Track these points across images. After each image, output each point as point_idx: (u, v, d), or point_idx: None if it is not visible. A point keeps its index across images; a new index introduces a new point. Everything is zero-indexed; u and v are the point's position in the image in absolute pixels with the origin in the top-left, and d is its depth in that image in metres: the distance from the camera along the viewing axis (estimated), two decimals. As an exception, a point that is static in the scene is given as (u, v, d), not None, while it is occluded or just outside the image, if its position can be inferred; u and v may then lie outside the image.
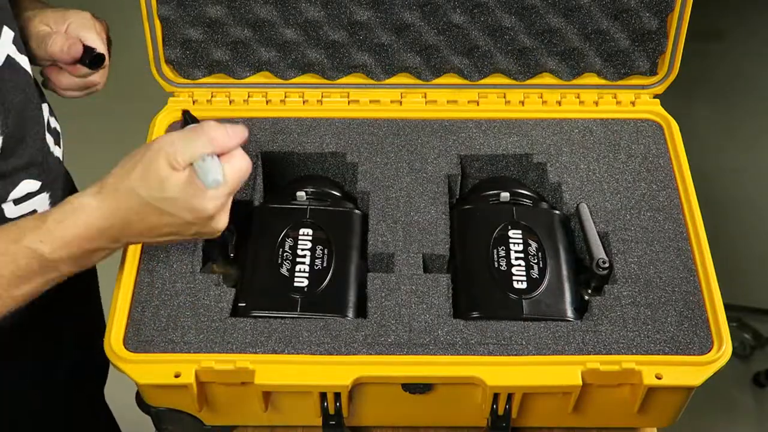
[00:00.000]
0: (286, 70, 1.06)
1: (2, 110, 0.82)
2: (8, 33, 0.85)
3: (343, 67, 1.06)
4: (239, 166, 0.79)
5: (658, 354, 0.85)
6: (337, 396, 0.85)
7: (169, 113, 1.05)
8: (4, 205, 0.88)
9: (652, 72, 1.06)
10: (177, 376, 0.83)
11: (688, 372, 0.84)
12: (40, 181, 0.91)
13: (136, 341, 0.86)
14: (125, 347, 0.85)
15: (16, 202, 0.89)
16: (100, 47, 0.96)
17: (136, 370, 0.84)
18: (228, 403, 0.89)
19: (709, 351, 0.85)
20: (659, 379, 0.83)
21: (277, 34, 1.04)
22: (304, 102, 1.07)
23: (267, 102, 1.07)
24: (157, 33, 1.03)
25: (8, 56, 0.85)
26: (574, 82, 1.07)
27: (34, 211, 0.91)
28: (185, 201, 0.77)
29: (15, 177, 0.88)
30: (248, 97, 1.07)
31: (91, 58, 0.95)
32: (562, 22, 1.03)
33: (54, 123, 0.96)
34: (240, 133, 0.78)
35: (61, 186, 0.97)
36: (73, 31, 0.95)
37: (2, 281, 0.76)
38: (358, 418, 0.90)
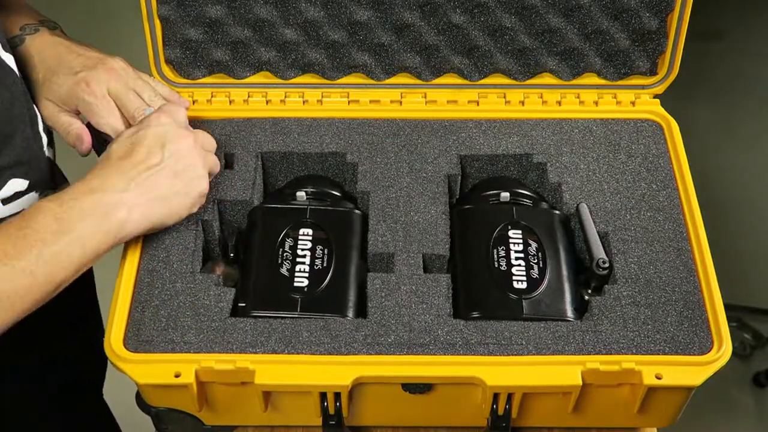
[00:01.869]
0: (286, 70, 1.06)
1: None
2: None
3: (343, 67, 1.06)
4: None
5: (658, 354, 0.85)
6: (337, 396, 0.85)
7: (169, 113, 1.04)
8: None
9: (652, 72, 1.06)
10: (177, 376, 0.83)
11: (688, 372, 0.84)
12: (28, 180, 0.89)
13: (136, 341, 0.86)
14: (125, 347, 0.85)
15: (5, 201, 0.88)
16: (116, 124, 0.92)
17: (136, 370, 0.84)
18: (228, 403, 0.89)
19: (709, 351, 0.85)
20: (659, 379, 0.83)
21: (277, 34, 1.04)
22: (304, 102, 1.07)
23: (267, 102, 1.07)
24: (157, 33, 1.03)
25: None
26: (574, 82, 1.07)
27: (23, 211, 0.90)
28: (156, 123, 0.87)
29: (2, 176, 0.87)
30: (248, 97, 1.07)
31: (103, 144, 0.93)
32: (562, 22, 1.03)
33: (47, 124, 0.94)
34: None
35: (53, 186, 0.95)
36: (84, 112, 0.93)
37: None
38: (358, 418, 0.90)
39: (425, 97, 1.07)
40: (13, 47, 0.93)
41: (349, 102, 1.07)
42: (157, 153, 0.85)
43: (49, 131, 0.94)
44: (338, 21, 1.03)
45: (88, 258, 0.80)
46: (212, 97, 1.06)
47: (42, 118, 0.93)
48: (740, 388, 1.84)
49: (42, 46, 0.94)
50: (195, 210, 0.90)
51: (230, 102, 1.07)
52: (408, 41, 1.05)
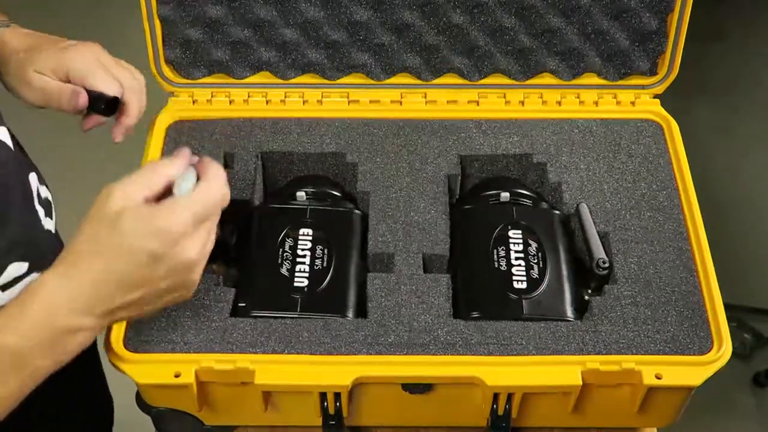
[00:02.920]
0: (286, 70, 1.06)
1: None
2: None
3: (343, 67, 1.06)
4: (210, 188, 0.72)
5: (658, 354, 0.85)
6: (337, 396, 0.85)
7: (169, 113, 1.05)
8: None
9: (652, 72, 1.06)
10: (177, 376, 0.83)
11: (688, 372, 0.84)
12: (27, 261, 0.82)
13: (136, 341, 0.86)
14: (125, 347, 0.85)
15: (4, 287, 0.81)
16: (111, 88, 0.88)
17: (136, 370, 0.84)
18: (228, 403, 0.89)
19: (709, 351, 0.85)
20: (659, 379, 0.83)
21: (277, 34, 1.04)
22: (304, 102, 1.07)
23: (267, 102, 1.07)
24: (157, 33, 1.03)
25: None
26: (574, 82, 1.07)
27: None
28: (146, 224, 0.69)
29: (2, 260, 0.79)
30: (248, 97, 1.07)
31: (104, 105, 0.88)
32: (562, 22, 1.03)
33: (45, 192, 0.87)
34: (183, 153, 0.74)
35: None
36: (76, 78, 0.87)
37: None
38: (358, 418, 0.90)
39: (425, 97, 1.07)
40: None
41: (349, 102, 1.07)
42: (153, 276, 0.70)
43: (46, 203, 0.86)
44: (338, 21, 1.03)
45: (35, 383, 0.70)
46: (212, 97, 1.06)
47: (28, 95, 0.87)
48: (740, 388, 1.84)
49: (18, 35, 0.90)
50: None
51: (230, 102, 1.07)
52: (408, 41, 1.05)
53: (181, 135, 1.03)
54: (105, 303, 0.70)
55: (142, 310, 0.73)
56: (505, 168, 1.04)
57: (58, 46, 0.89)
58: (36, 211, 0.84)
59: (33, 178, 0.85)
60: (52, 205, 0.90)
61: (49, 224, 0.87)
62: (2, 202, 0.79)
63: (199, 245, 0.72)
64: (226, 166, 1.01)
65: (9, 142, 0.82)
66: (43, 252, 0.85)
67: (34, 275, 0.82)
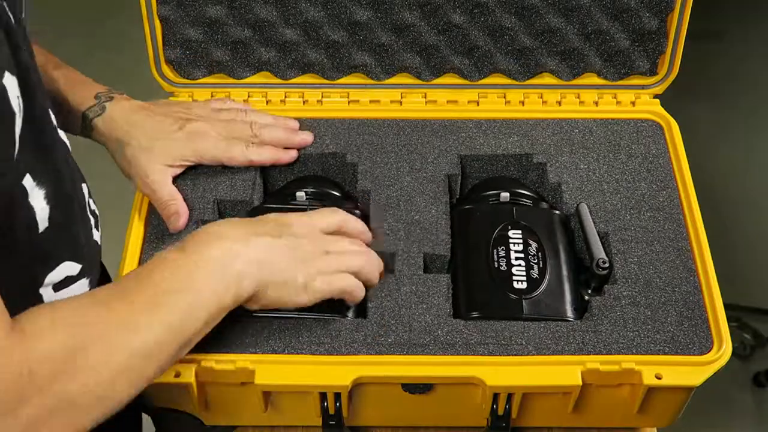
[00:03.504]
0: (286, 71, 1.06)
1: (51, 181, 0.75)
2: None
3: (343, 67, 1.06)
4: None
5: (658, 354, 0.85)
6: (337, 396, 0.85)
7: (170, 113, 1.04)
8: (42, 290, 0.78)
9: (652, 72, 1.06)
10: (177, 375, 0.83)
11: (687, 372, 0.84)
12: (80, 264, 0.82)
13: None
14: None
15: (56, 287, 0.80)
16: (246, 154, 0.96)
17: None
18: (228, 403, 0.89)
19: (709, 351, 0.85)
20: (659, 379, 0.83)
21: (277, 35, 1.04)
22: (304, 102, 1.07)
23: (267, 102, 1.07)
24: (157, 33, 1.03)
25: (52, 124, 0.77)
26: (574, 82, 1.07)
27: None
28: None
29: (57, 258, 0.80)
30: (248, 97, 1.07)
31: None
32: (562, 22, 1.03)
33: (93, 205, 0.88)
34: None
35: (99, 273, 0.88)
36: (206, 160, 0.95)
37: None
38: (358, 418, 0.90)
39: (425, 97, 1.07)
40: (92, 117, 0.92)
41: (349, 102, 1.07)
42: (275, 230, 0.82)
43: (95, 215, 0.88)
44: (338, 21, 1.03)
45: (212, 314, 0.76)
46: (212, 97, 1.06)
47: (149, 185, 0.93)
48: (740, 388, 1.84)
49: (125, 112, 0.94)
50: (302, 300, 0.82)
51: (230, 102, 1.06)
52: (408, 41, 1.05)
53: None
54: (254, 229, 0.80)
55: (280, 268, 0.80)
56: (505, 168, 1.04)
57: (179, 128, 0.94)
58: (89, 219, 0.85)
59: (85, 188, 0.86)
60: (99, 220, 0.90)
61: (96, 236, 0.87)
62: (68, 197, 0.80)
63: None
64: (225, 166, 1.01)
65: (68, 144, 0.82)
66: (94, 259, 0.85)
67: (83, 281, 0.83)
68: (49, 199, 0.75)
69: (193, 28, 1.03)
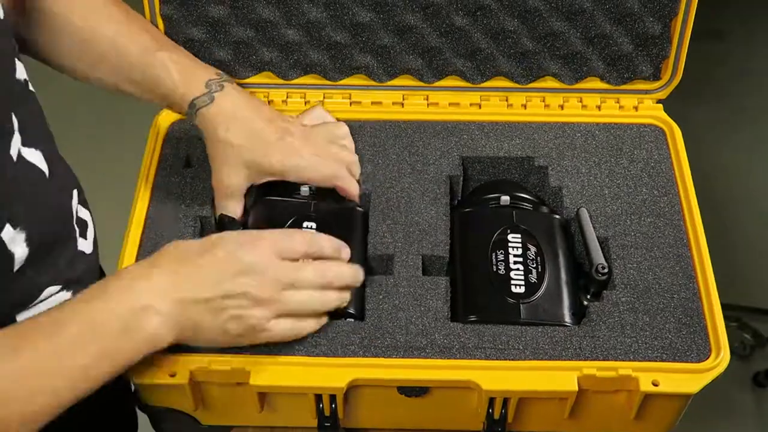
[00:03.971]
0: (288, 71, 1.06)
1: (31, 221, 0.73)
2: (16, 124, 0.74)
3: (345, 69, 1.06)
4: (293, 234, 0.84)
5: (656, 360, 0.84)
6: (333, 398, 0.85)
7: (170, 113, 1.04)
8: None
9: (656, 77, 1.06)
10: (172, 375, 0.83)
11: (685, 379, 0.83)
12: (59, 285, 0.81)
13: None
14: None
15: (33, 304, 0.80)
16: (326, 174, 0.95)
17: (133, 369, 0.83)
18: (224, 404, 0.89)
19: (707, 358, 0.85)
20: (656, 385, 0.83)
21: (279, 35, 1.04)
22: (305, 103, 1.07)
23: (269, 102, 1.07)
24: (159, 32, 1.03)
25: (19, 153, 0.74)
26: (577, 86, 1.07)
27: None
28: (233, 238, 0.80)
29: (38, 285, 0.79)
30: (250, 97, 1.07)
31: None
32: (564, 26, 1.03)
33: (82, 212, 0.87)
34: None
35: (84, 283, 0.83)
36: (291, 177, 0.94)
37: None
38: (354, 420, 0.90)
39: (427, 100, 1.07)
40: (199, 107, 0.90)
41: (350, 103, 1.07)
42: (216, 286, 0.77)
43: (82, 222, 0.86)
44: (340, 22, 1.03)
45: (117, 371, 0.75)
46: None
47: (223, 189, 0.93)
48: (740, 388, 1.83)
49: (233, 106, 0.91)
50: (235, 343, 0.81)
51: (232, 102, 1.06)
52: (410, 43, 1.04)
53: (182, 135, 1.03)
54: (178, 291, 0.75)
55: (207, 319, 0.77)
56: (506, 171, 1.04)
57: (278, 138, 0.92)
58: (73, 231, 0.83)
59: (74, 195, 0.84)
60: (89, 225, 0.89)
61: (83, 245, 0.86)
62: (50, 228, 0.79)
63: (277, 276, 0.79)
64: None
65: (45, 167, 0.79)
66: (75, 273, 0.84)
67: (63, 294, 0.82)
68: (31, 241, 0.74)
69: (196, 28, 1.03)
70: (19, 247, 0.73)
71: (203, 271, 0.77)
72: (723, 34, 2.49)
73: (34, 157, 0.77)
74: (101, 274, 0.94)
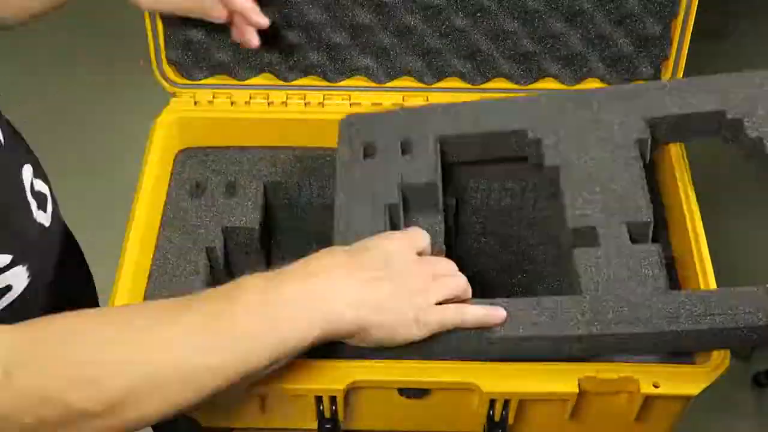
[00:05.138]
0: (287, 72, 1.06)
1: None
2: None
3: (345, 70, 1.06)
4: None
5: (656, 362, 0.84)
6: (333, 399, 0.85)
7: (171, 114, 1.05)
8: None
9: (656, 77, 1.06)
10: (172, 377, 0.83)
11: (685, 381, 0.83)
12: (11, 255, 0.79)
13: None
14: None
15: None
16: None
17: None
18: (224, 405, 0.88)
19: (708, 360, 0.85)
20: (657, 387, 0.82)
21: (279, 36, 1.04)
22: (306, 104, 1.07)
23: (269, 104, 1.07)
24: (159, 33, 1.03)
25: None
26: (577, 87, 1.07)
27: (9, 287, 0.81)
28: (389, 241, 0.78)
29: None
30: (250, 98, 1.07)
31: None
32: (564, 27, 1.03)
33: (39, 185, 0.86)
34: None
35: (44, 256, 0.85)
36: None
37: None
38: (354, 422, 0.90)
39: (427, 101, 1.07)
40: None
41: (350, 104, 1.07)
42: (380, 263, 0.75)
43: (40, 195, 0.85)
44: (340, 23, 1.03)
45: (286, 350, 0.71)
46: (214, 98, 1.06)
47: None
48: (740, 388, 1.83)
49: None
50: (414, 336, 0.76)
51: (232, 103, 1.07)
52: (410, 44, 1.04)
53: (182, 136, 1.03)
54: (356, 292, 0.73)
55: (387, 307, 0.74)
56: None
57: None
58: (28, 203, 0.82)
59: (27, 169, 0.83)
60: (48, 198, 0.88)
61: (41, 217, 0.85)
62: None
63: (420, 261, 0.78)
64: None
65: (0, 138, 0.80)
66: (31, 245, 0.83)
67: (17, 269, 0.81)
68: None
69: (196, 29, 1.03)
70: None
71: (373, 259, 0.76)
72: (723, 34, 2.48)
73: None
74: (72, 252, 0.93)
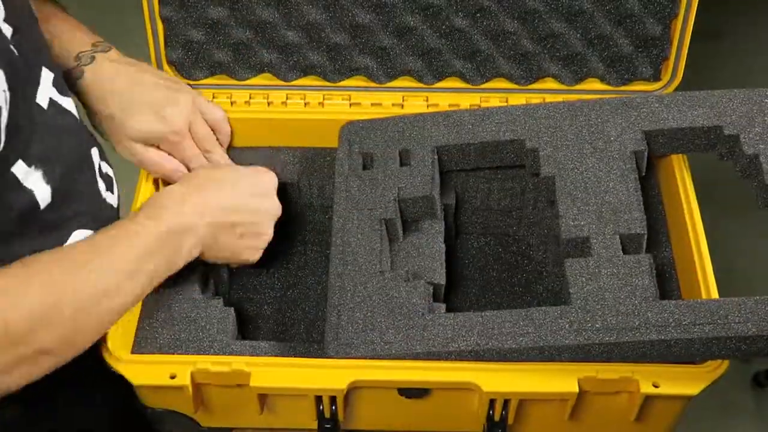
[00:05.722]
0: (287, 72, 1.06)
1: (50, 160, 0.77)
2: (48, 75, 0.80)
3: (345, 70, 1.06)
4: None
5: (656, 362, 0.84)
6: (333, 399, 0.85)
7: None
8: None
9: (656, 78, 1.06)
10: (173, 377, 0.83)
11: (685, 380, 0.83)
12: (92, 230, 0.84)
13: (133, 341, 0.86)
14: (122, 347, 0.85)
15: None
16: (201, 162, 0.98)
17: (132, 371, 0.84)
18: (224, 405, 0.89)
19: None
20: (656, 387, 0.82)
21: (279, 36, 1.04)
22: (305, 104, 1.07)
23: (269, 104, 1.07)
24: (159, 34, 1.03)
25: (51, 99, 0.80)
26: (577, 87, 1.07)
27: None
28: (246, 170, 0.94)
29: (67, 228, 0.83)
30: (249, 98, 1.07)
31: None
32: (564, 27, 1.03)
33: (105, 168, 0.91)
34: None
35: None
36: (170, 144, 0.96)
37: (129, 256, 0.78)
38: (354, 422, 0.90)
39: (427, 101, 1.07)
40: (73, 80, 0.91)
41: (350, 105, 1.07)
42: (244, 212, 0.90)
43: (107, 177, 0.91)
44: (340, 23, 1.03)
45: (157, 280, 0.82)
46: (213, 98, 1.06)
47: (117, 154, 0.95)
48: (740, 388, 1.82)
49: (105, 78, 0.92)
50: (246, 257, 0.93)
51: (232, 103, 1.06)
52: (410, 44, 1.04)
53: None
54: (209, 211, 0.85)
55: (234, 240, 0.89)
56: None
57: (154, 111, 0.94)
58: (97, 183, 0.87)
59: (95, 152, 0.88)
60: (114, 180, 0.93)
61: (110, 198, 0.91)
62: (71, 173, 0.82)
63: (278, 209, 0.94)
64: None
65: (75, 112, 0.85)
66: (106, 224, 0.86)
67: None
68: (49, 178, 0.77)
69: (195, 29, 1.03)
70: (38, 184, 0.76)
71: (231, 196, 0.88)
72: (723, 34, 2.48)
73: (68, 103, 0.83)
74: None
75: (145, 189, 0.99)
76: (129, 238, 0.79)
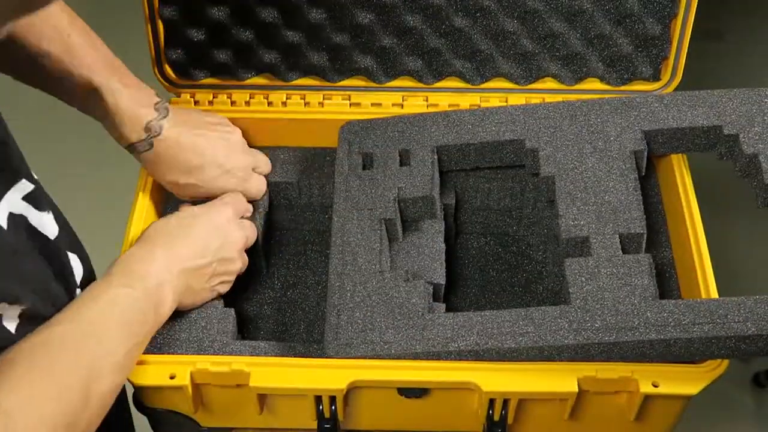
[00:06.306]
0: (287, 73, 1.06)
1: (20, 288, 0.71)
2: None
3: (345, 70, 1.06)
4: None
5: (656, 362, 0.84)
6: (333, 399, 0.85)
7: (170, 114, 1.04)
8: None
9: (655, 77, 1.06)
10: (172, 377, 0.83)
11: (685, 380, 0.83)
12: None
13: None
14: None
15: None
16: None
17: (132, 371, 0.84)
18: (223, 405, 0.89)
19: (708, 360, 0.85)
20: (656, 387, 0.82)
21: (279, 37, 1.04)
22: (305, 104, 1.07)
23: (269, 104, 1.07)
24: (159, 34, 1.03)
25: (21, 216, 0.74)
26: (577, 87, 1.07)
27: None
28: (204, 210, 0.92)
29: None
30: (250, 98, 1.07)
31: None
32: (564, 26, 1.03)
33: (78, 268, 0.85)
34: None
35: None
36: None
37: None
38: (354, 422, 0.90)
39: (427, 101, 1.07)
40: (153, 135, 0.91)
41: (350, 105, 1.07)
42: (208, 253, 0.88)
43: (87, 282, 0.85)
44: (340, 24, 1.03)
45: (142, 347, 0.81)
46: (214, 98, 1.06)
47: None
48: (740, 388, 1.82)
49: (181, 135, 0.93)
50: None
51: (232, 104, 1.07)
52: (410, 45, 1.04)
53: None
54: (179, 263, 0.84)
55: (205, 283, 0.88)
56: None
57: (226, 170, 0.96)
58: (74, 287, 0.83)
59: (75, 265, 0.83)
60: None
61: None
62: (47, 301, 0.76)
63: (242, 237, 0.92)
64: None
65: (50, 228, 0.78)
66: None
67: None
68: (23, 315, 0.72)
69: (195, 30, 1.03)
70: (10, 322, 0.71)
71: (192, 243, 0.87)
72: (723, 34, 2.48)
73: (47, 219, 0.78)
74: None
75: (142, 202, 0.97)
76: (111, 315, 0.76)
